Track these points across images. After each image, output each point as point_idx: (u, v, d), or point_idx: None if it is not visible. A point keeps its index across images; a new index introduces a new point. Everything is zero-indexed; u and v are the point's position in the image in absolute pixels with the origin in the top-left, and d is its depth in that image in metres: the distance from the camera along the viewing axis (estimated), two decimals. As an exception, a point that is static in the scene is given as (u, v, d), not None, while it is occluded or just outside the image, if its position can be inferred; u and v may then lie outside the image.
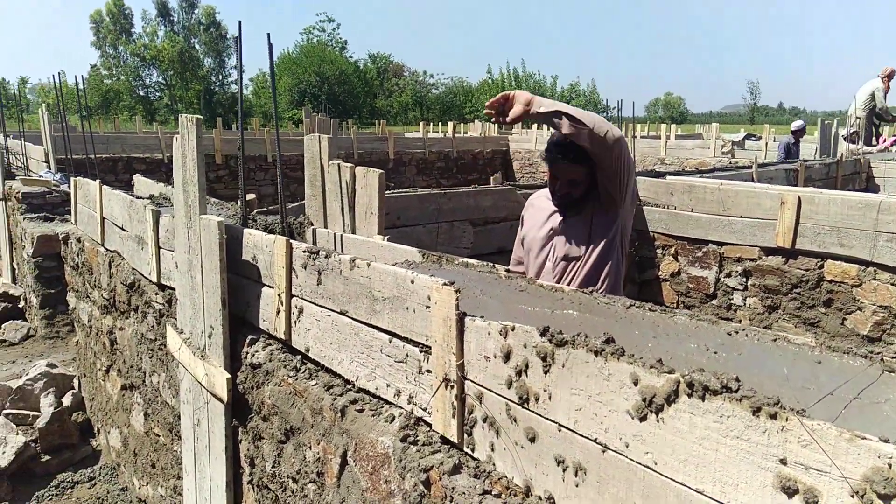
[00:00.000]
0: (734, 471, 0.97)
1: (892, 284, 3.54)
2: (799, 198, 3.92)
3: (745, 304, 4.45)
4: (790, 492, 0.91)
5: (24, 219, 6.85)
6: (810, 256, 3.99)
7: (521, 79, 51.66)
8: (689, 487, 1.04)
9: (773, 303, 4.27)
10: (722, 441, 0.99)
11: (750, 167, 6.40)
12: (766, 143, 13.54)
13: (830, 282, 3.90)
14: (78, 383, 4.92)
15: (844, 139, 10.54)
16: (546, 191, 2.65)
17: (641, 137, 17.40)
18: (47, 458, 4.29)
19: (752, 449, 0.95)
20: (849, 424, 0.88)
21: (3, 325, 6.76)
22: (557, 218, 2.53)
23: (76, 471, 4.30)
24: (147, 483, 3.67)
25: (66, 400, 4.69)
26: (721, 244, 4.46)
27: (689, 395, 1.03)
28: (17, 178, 7.90)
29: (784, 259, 4.15)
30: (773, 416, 0.92)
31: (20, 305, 7.25)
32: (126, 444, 3.96)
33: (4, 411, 4.47)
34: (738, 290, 4.49)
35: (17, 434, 4.20)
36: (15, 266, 7.84)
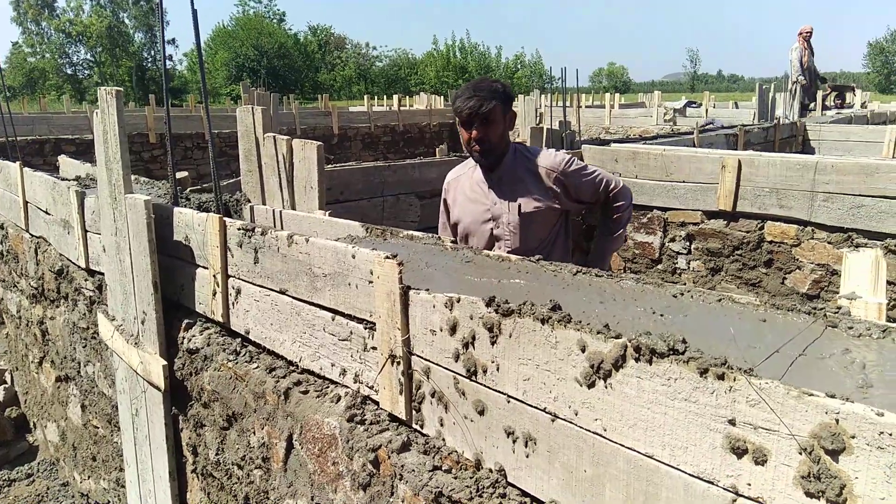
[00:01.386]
0: (683, 433, 0.95)
1: (829, 243, 3.65)
2: (739, 161, 3.98)
3: (689, 268, 4.54)
4: (739, 452, 0.89)
5: (-59, 206, 6.41)
6: (751, 218, 4.08)
7: (466, 50, 51.32)
8: (639, 452, 1.02)
9: (716, 265, 4.37)
10: (670, 404, 0.96)
11: (691, 133, 6.51)
12: (707, 110, 13.82)
13: (770, 242, 4.00)
14: (10, 377, 4.67)
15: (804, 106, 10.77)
16: (459, 166, 2.59)
17: (586, 107, 17.54)
18: (-20, 457, 4.07)
19: (700, 411, 0.93)
20: (795, 382, 0.86)
21: (-75, 321, 6.37)
22: (485, 182, 2.43)
23: (13, 468, 4.10)
24: (89, 477, 3.52)
25: (-2, 395, 4.45)
26: (665, 209, 4.52)
27: (637, 360, 1.00)
28: (-69, 163, 7.38)
29: (725, 222, 4.24)
30: (721, 377, 0.90)
31: (-56, 299, 6.84)
32: (64, 438, 3.79)
33: (-71, 411, 4.22)
34: (682, 254, 4.57)
35: (-55, 434, 3.97)
36: (-65, 257, 7.37)
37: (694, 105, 15.73)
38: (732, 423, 0.89)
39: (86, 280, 3.02)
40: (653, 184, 4.50)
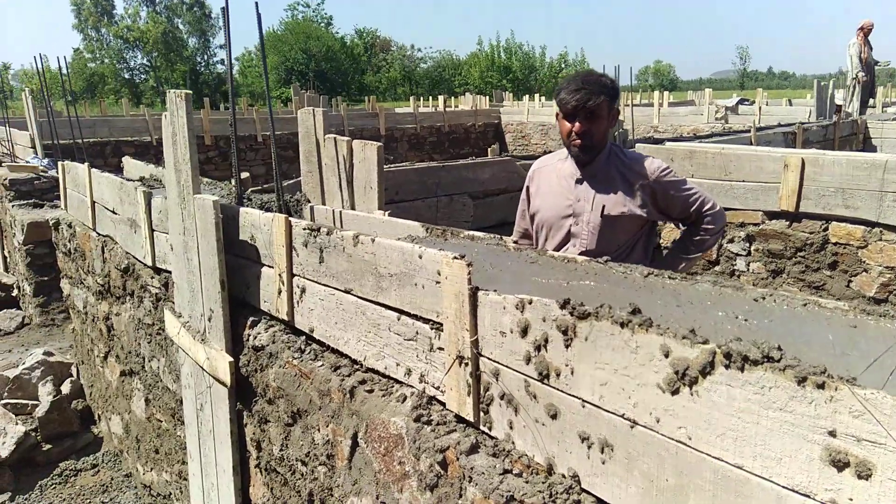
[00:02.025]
0: (777, 444, 0.92)
1: (901, 245, 3.50)
2: (803, 160, 3.85)
3: (748, 270, 4.41)
4: (840, 465, 0.85)
5: (12, 206, 6.72)
6: (814, 219, 3.94)
7: (510, 50, 51.08)
8: (728, 462, 0.99)
9: (777, 267, 4.23)
10: (763, 413, 0.93)
11: (747, 132, 6.32)
12: (760, 108, 13.42)
13: (835, 244, 3.86)
14: (76, 371, 4.86)
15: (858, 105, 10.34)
16: (548, 156, 2.55)
17: (633, 106, 17.24)
18: (48, 446, 4.24)
19: (797, 421, 0.89)
20: (899, 392, 0.82)
21: (-3, 315, 6.68)
22: (577, 175, 2.39)
23: (79, 458, 4.26)
24: (151, 469, 3.63)
25: (65, 388, 4.63)
26: (724, 209, 4.40)
27: (727, 367, 0.97)
28: (3, 164, 7.75)
29: (788, 223, 4.10)
30: (821, 386, 0.86)
31: (14, 294, 7.16)
32: (128, 431, 3.92)
33: (2, 401, 4.42)
34: (741, 255, 4.44)
35: (17, 424, 4.15)
36: (6, 254, 7.74)
37: (746, 102, 15.30)
38: (833, 434, 0.85)
39: (152, 278, 3.11)
40: (710, 183, 4.38)
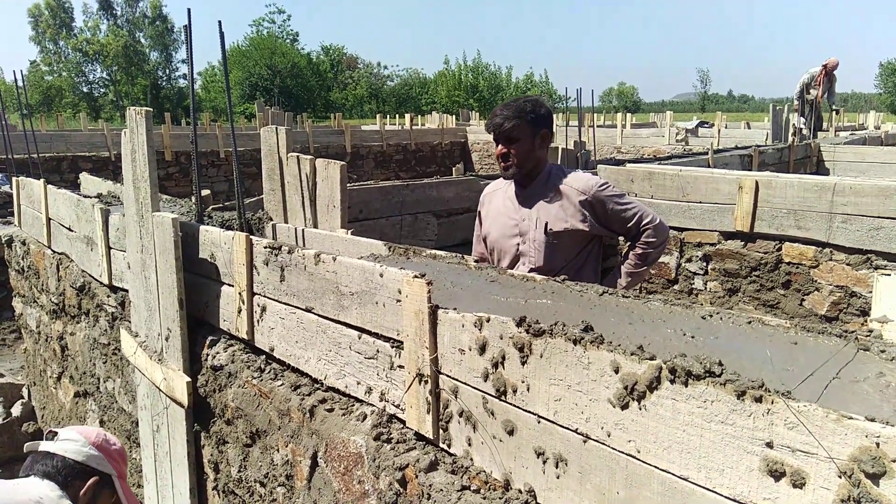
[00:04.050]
0: (720, 456, 0.96)
1: (848, 265, 3.64)
2: (756, 182, 3.99)
3: (705, 289, 4.53)
4: (777, 475, 0.89)
5: (-37, 222, 6.51)
6: (768, 239, 4.07)
7: (477, 70, 51.67)
8: (674, 475, 1.02)
9: (734, 286, 4.36)
10: (706, 426, 0.97)
11: (706, 153, 6.52)
12: (719, 130, 13.85)
13: (788, 263, 3.99)
14: (27, 392, 4.71)
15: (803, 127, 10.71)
16: (499, 181, 2.62)
17: (597, 127, 17.59)
18: (-2, 471, 4.09)
19: (737, 433, 0.93)
20: (832, 405, 0.87)
21: (-56, 335, 6.43)
22: (520, 195, 2.47)
23: (29, 484, 4.11)
24: (105, 493, 3.53)
25: (16, 410, 4.48)
26: (682, 230, 4.52)
27: (672, 381, 1.01)
28: (-47, 179, 7.51)
29: (743, 243, 4.23)
30: (759, 400, 0.90)
31: (-38, 313, 6.91)
32: (82, 454, 3.80)
33: (-52, 425, 4.25)
34: (698, 274, 4.56)
35: (-37, 448, 4.00)
36: (-45, 272, 7.46)
37: (706, 125, 15.76)
38: (770, 445, 0.89)
39: (108, 296, 3.05)
40: (669, 204, 4.50)
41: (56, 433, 1.87)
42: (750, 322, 1.30)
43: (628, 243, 2.59)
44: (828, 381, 1.01)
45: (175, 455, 2.44)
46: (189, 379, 2.27)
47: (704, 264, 4.49)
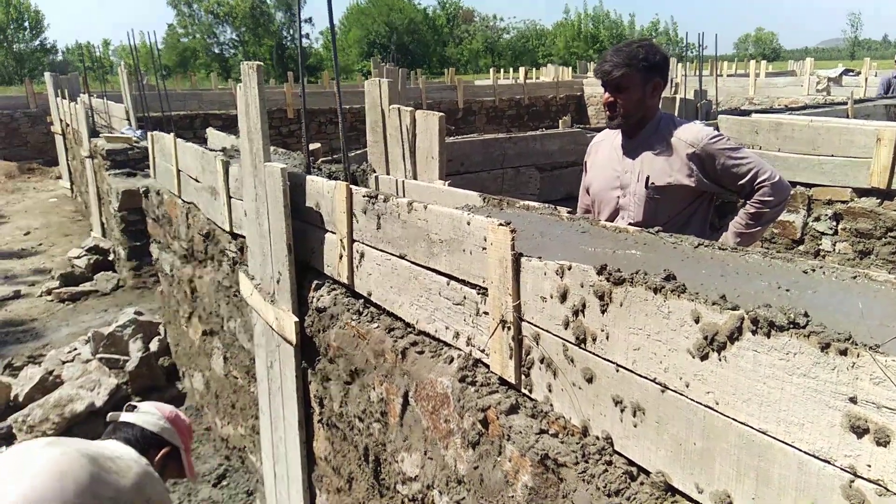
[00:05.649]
0: (800, 410, 0.91)
1: None
2: (897, 132, 3.60)
3: (834, 250, 4.19)
4: (859, 431, 0.84)
5: (109, 174, 7.23)
6: (908, 196, 3.69)
7: (598, 18, 49.51)
8: (752, 427, 0.99)
9: (866, 247, 4.00)
10: (788, 379, 0.93)
11: (845, 104, 5.93)
12: (866, 79, 12.48)
13: (931, 223, 3.60)
14: (163, 330, 5.22)
15: None
16: (606, 130, 2.53)
17: (728, 76, 16.40)
18: (137, 399, 4.60)
19: (819, 387, 0.88)
20: (933, 363, 0.80)
21: (95, 277, 7.25)
22: (625, 146, 2.39)
23: (166, 410, 4.60)
24: (228, 423, 3.89)
25: (153, 345, 4.99)
26: (810, 186, 4.19)
27: (754, 332, 0.97)
28: (101, 135, 8.31)
29: (879, 200, 3.86)
30: (843, 353, 0.85)
31: (110, 258, 7.73)
32: (208, 387, 4.20)
33: (98, 355, 4.82)
34: (827, 234, 4.22)
35: (110, 377, 4.52)
36: (104, 220, 8.33)
37: (851, 73, 14.25)
38: (854, 401, 0.84)
39: (230, 242, 3.31)
40: (797, 157, 4.17)
41: (136, 406, 2.11)
42: (855, 277, 1.21)
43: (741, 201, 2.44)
44: (933, 340, 0.92)
45: (286, 390, 2.64)
46: (297, 319, 2.43)
47: (834, 224, 4.15)
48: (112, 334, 4.94)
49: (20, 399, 4.38)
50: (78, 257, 7.67)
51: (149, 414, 2.09)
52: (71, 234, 9.64)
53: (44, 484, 1.56)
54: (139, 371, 4.65)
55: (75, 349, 5.05)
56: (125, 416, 2.06)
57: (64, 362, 4.86)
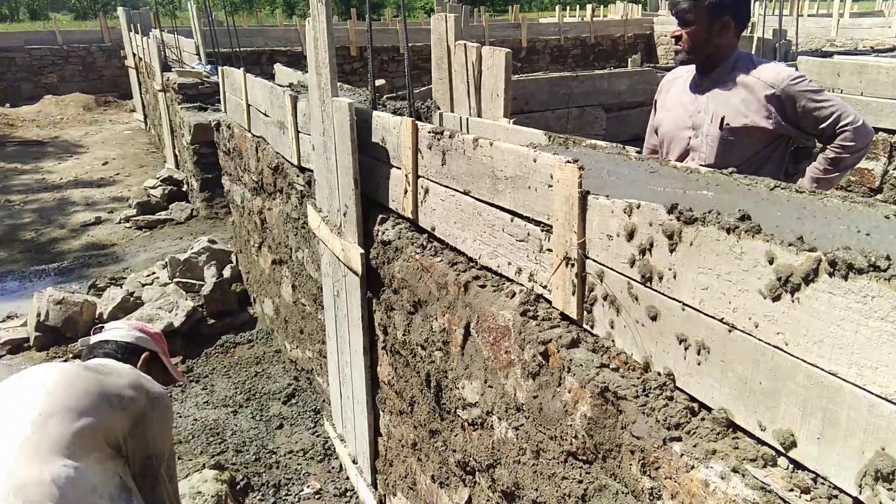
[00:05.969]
0: (875, 353, 0.90)
1: None
2: None
3: (917, 200, 3.97)
4: (939, 378, 0.83)
5: (181, 108, 7.44)
6: None
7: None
8: (822, 369, 0.98)
9: (953, 199, 3.77)
10: (864, 322, 0.91)
11: (943, 42, 5.48)
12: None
13: None
14: (235, 258, 5.45)
15: None
16: (682, 67, 2.44)
17: (809, 16, 15.32)
18: (212, 321, 4.87)
19: (898, 331, 0.87)
20: None
21: (171, 206, 7.58)
22: (700, 84, 2.31)
23: (237, 334, 4.86)
24: (296, 346, 4.09)
25: (226, 272, 5.23)
26: (893, 132, 3.94)
27: (831, 275, 0.95)
28: (172, 70, 8.51)
29: (973, 148, 3.61)
30: (928, 297, 0.83)
31: (184, 189, 8.04)
32: (278, 313, 4.40)
33: (175, 279, 5.09)
34: (910, 184, 3.99)
35: (187, 299, 4.79)
36: (177, 153, 8.63)
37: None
38: (935, 346, 0.83)
39: (297, 176, 3.39)
40: (881, 102, 3.92)
41: (102, 326, 2.21)
42: (944, 223, 1.16)
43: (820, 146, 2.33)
44: None
45: (352, 317, 2.74)
46: (363, 251, 2.50)
47: (920, 173, 3.92)
48: (188, 260, 5.19)
49: (104, 317, 4.70)
50: (153, 187, 8.01)
51: (117, 329, 2.18)
52: (146, 165, 10.04)
53: (58, 389, 1.68)
54: (213, 295, 4.90)
55: (153, 273, 5.35)
56: (96, 337, 2.15)
57: (143, 285, 5.17)
